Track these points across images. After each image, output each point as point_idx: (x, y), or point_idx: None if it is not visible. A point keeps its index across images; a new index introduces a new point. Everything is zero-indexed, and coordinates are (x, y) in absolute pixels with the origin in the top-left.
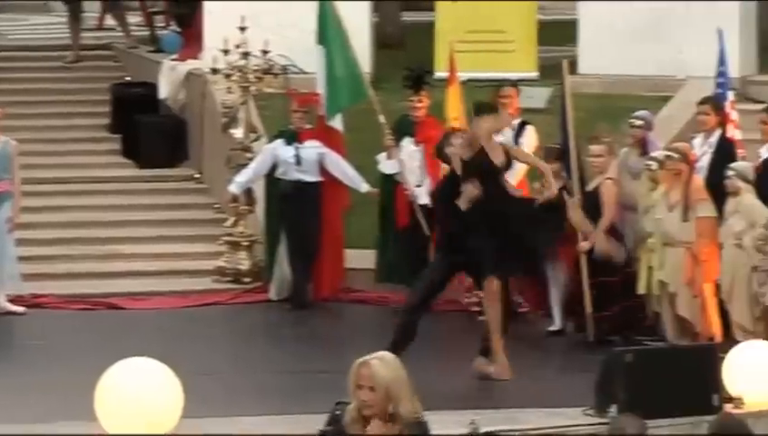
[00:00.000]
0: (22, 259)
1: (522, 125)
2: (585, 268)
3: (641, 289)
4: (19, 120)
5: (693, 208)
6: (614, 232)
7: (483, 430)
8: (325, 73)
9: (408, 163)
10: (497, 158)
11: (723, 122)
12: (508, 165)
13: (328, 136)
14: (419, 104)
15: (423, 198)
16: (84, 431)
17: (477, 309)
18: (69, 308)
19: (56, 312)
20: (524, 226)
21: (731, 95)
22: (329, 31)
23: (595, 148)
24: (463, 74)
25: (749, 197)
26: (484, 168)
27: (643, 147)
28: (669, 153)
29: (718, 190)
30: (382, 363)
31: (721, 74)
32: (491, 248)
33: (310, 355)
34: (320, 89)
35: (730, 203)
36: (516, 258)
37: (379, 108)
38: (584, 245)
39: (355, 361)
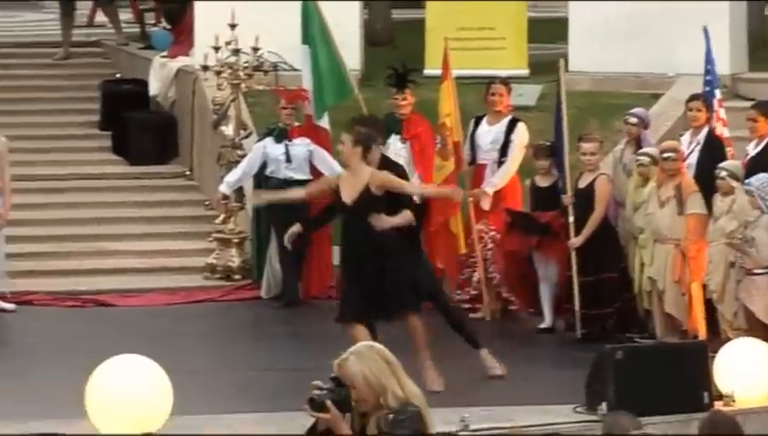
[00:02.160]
0: (11, 256)
1: (513, 123)
2: (576, 264)
3: (635, 287)
4: (9, 117)
5: (685, 203)
6: (608, 228)
7: (473, 427)
8: (311, 72)
9: (394, 159)
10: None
11: (710, 119)
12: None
13: (315, 133)
14: (404, 102)
15: None
16: (74, 429)
17: (468, 306)
18: (58, 305)
19: (45, 309)
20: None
21: (718, 93)
22: (313, 30)
23: (588, 146)
24: (453, 72)
25: (742, 197)
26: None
27: (638, 144)
28: (666, 153)
29: (705, 187)
30: (357, 357)
31: (708, 71)
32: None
33: (296, 353)
34: (306, 86)
35: (723, 203)
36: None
37: (364, 106)
38: (574, 242)
39: (335, 362)
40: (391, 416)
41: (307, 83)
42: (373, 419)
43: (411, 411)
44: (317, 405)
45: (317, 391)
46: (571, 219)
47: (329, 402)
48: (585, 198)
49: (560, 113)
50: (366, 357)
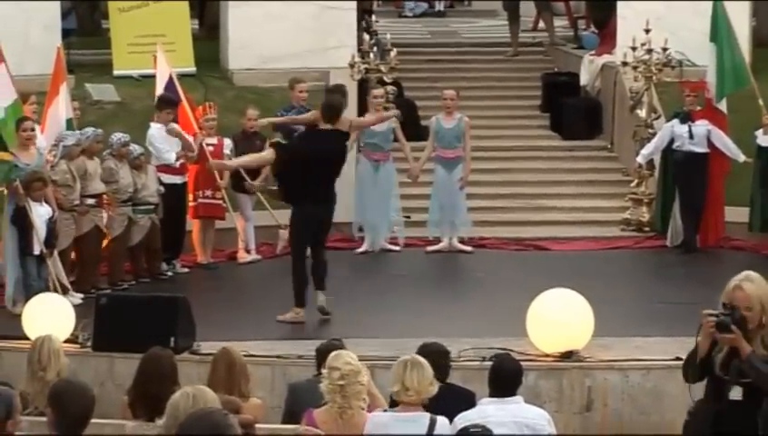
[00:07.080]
0: (470, 209)
1: None
2: None
3: None
4: (470, 101)
5: None
6: None
7: None
8: (715, 64)
9: None
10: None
11: None
12: None
13: (714, 116)
14: None
15: None
16: (517, 346)
17: None
18: (506, 248)
19: (496, 251)
20: None
21: None
22: (720, 30)
23: None
24: None
25: None
26: None
27: None
28: None
29: None
30: (751, 283)
31: None
32: None
33: (692, 290)
34: (709, 78)
35: None
36: None
37: (758, 93)
38: None
39: (728, 285)
40: None
41: (710, 75)
42: (758, 336)
43: None
44: (722, 327)
45: (712, 318)
46: None
47: (733, 326)
48: None
49: None
50: (757, 282)
